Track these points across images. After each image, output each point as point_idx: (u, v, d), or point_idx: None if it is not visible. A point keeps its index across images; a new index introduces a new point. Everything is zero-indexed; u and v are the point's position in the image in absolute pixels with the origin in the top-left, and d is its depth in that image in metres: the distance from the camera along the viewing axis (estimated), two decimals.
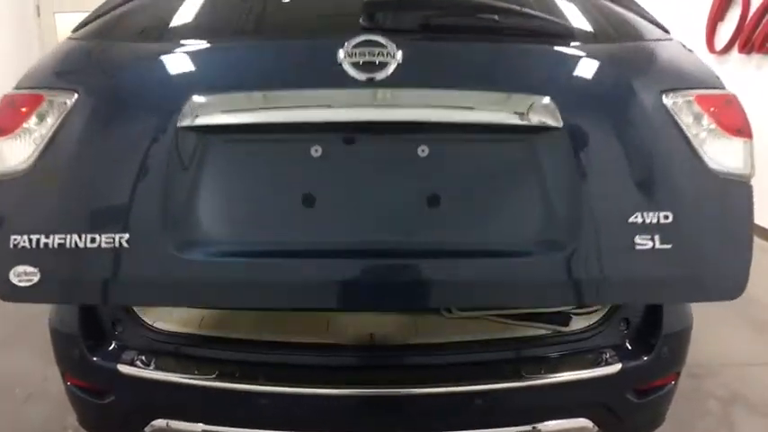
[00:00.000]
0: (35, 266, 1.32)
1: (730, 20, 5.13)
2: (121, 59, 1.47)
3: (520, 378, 1.55)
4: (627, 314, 1.67)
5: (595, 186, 1.34)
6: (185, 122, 1.32)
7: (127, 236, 1.31)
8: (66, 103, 1.34)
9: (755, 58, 4.92)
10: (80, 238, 1.31)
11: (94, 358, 1.61)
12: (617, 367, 1.59)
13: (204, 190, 1.36)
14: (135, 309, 1.68)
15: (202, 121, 1.32)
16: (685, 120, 1.36)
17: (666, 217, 1.32)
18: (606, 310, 1.72)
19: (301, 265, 1.36)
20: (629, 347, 1.66)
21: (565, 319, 1.73)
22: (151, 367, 1.60)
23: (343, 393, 1.55)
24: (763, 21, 4.75)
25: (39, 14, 7.31)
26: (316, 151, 1.35)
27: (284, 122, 1.35)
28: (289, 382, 1.54)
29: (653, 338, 1.63)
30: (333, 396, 1.55)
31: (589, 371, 1.59)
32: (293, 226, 1.38)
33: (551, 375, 1.58)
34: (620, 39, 1.58)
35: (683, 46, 1.63)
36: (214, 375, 1.56)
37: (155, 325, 1.68)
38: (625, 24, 1.66)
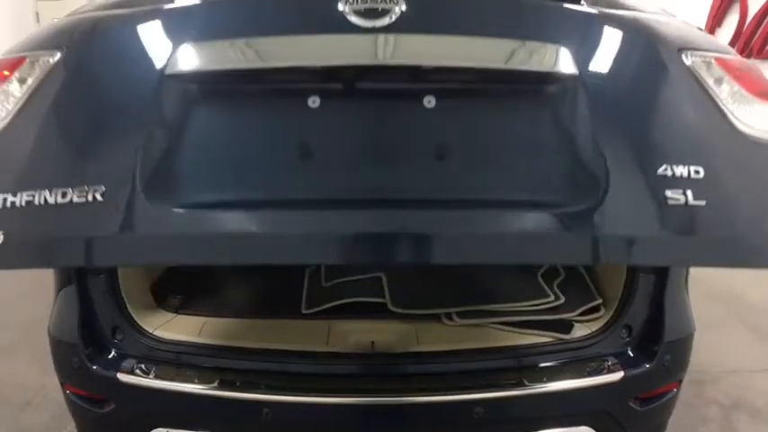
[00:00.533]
0: None
1: (728, 25, 5.16)
2: (110, 20, 1.41)
3: (521, 386, 1.55)
4: (629, 321, 1.67)
5: (616, 136, 1.28)
6: (174, 70, 1.25)
7: (102, 188, 1.20)
8: (49, 61, 1.28)
9: (755, 63, 4.94)
10: (50, 193, 1.20)
11: (93, 367, 1.60)
12: (619, 375, 1.58)
13: (194, 141, 1.29)
14: (135, 316, 1.68)
15: (193, 68, 1.26)
16: (707, 79, 1.32)
17: (697, 172, 1.24)
18: (608, 317, 1.71)
19: (296, 217, 1.26)
20: (631, 355, 1.65)
21: (567, 326, 1.72)
22: (151, 376, 1.59)
23: (345, 402, 1.54)
24: (762, 26, 4.77)
25: (38, 21, 7.33)
26: (313, 102, 1.28)
27: (279, 68, 1.27)
28: (290, 391, 1.53)
29: (655, 346, 1.63)
30: (334, 405, 1.54)
31: (591, 379, 1.58)
32: (288, 178, 1.31)
33: (553, 383, 1.57)
34: (630, 9, 1.53)
35: (698, 27, 1.62)
36: (215, 384, 1.55)
37: (154, 333, 1.68)
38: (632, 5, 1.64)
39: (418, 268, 2.15)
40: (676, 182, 1.24)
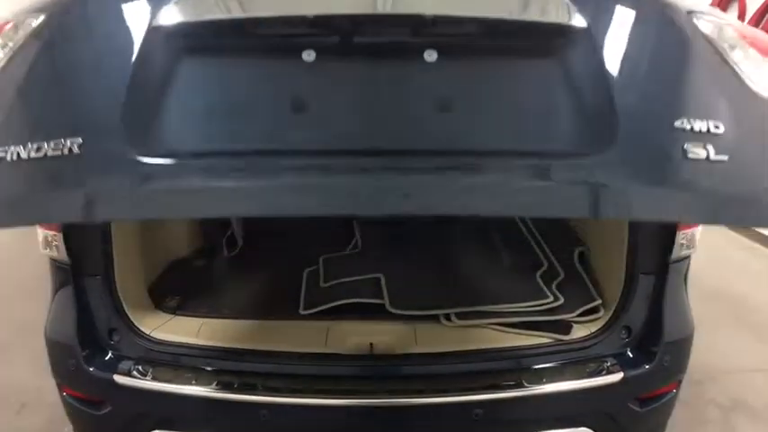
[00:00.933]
0: None
1: None
2: None
3: (520, 387, 1.54)
4: (628, 322, 1.66)
5: (627, 89, 1.24)
6: (161, 22, 1.21)
7: (80, 140, 1.15)
8: (32, 23, 1.25)
9: None
10: (23, 148, 1.15)
11: (90, 368, 1.59)
12: (618, 376, 1.58)
13: (182, 94, 1.25)
14: (132, 318, 1.67)
15: (181, 19, 1.22)
16: (719, 41, 1.29)
17: (717, 127, 1.20)
18: (608, 318, 1.71)
19: (289, 167, 1.20)
20: (631, 356, 1.65)
21: (566, 327, 1.72)
22: (148, 378, 1.58)
23: (343, 404, 1.53)
24: (760, 24, 4.77)
25: None
26: (308, 55, 1.23)
27: (271, 18, 1.23)
28: (288, 393, 1.53)
29: (654, 346, 1.62)
30: (332, 407, 1.53)
31: (590, 380, 1.58)
32: (282, 133, 1.25)
33: (552, 385, 1.56)
34: None
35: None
36: (212, 386, 1.54)
37: (152, 334, 1.67)
38: None
39: (417, 268, 2.15)
40: (696, 136, 1.19)
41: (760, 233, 4.57)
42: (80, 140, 1.16)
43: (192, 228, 2.45)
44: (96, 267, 1.63)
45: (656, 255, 1.65)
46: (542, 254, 2.21)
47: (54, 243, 1.62)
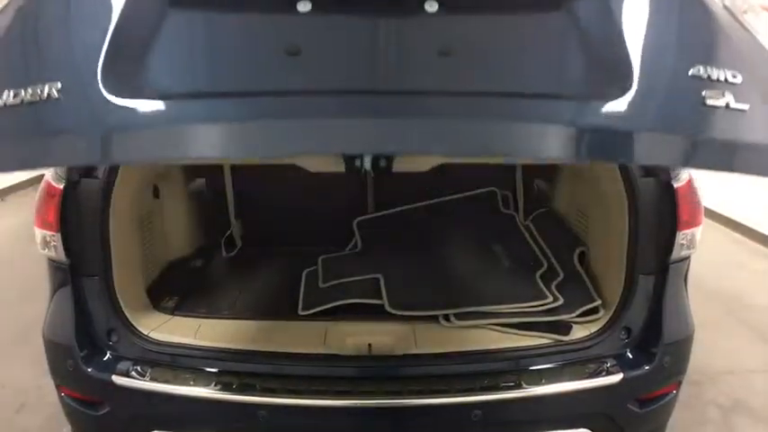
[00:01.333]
0: None
1: None
2: None
3: (520, 388, 1.54)
4: (628, 323, 1.66)
5: (639, 36, 1.22)
6: None
7: (59, 85, 1.12)
8: None
9: None
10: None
11: (89, 369, 1.59)
12: (618, 377, 1.58)
13: (167, 38, 1.20)
14: (130, 318, 1.67)
15: None
16: (731, 4, 1.27)
17: (735, 76, 1.19)
18: (607, 318, 1.70)
19: (280, 107, 1.16)
20: (631, 356, 1.64)
21: (565, 328, 1.71)
22: (146, 378, 1.58)
23: (342, 405, 1.53)
24: None
25: None
26: (304, 6, 1.19)
27: None
28: (286, 394, 1.52)
29: (654, 347, 1.62)
30: (331, 407, 1.53)
31: (590, 381, 1.58)
32: (274, 74, 1.21)
33: (552, 386, 1.56)
34: None
35: None
36: (211, 386, 1.54)
37: (150, 335, 1.67)
38: None
39: (417, 269, 2.14)
40: (713, 84, 1.17)
41: (760, 233, 4.56)
42: (59, 85, 1.11)
43: (191, 228, 2.45)
44: (94, 267, 1.63)
45: (656, 255, 1.65)
46: (542, 254, 2.20)
47: (52, 243, 1.61)
